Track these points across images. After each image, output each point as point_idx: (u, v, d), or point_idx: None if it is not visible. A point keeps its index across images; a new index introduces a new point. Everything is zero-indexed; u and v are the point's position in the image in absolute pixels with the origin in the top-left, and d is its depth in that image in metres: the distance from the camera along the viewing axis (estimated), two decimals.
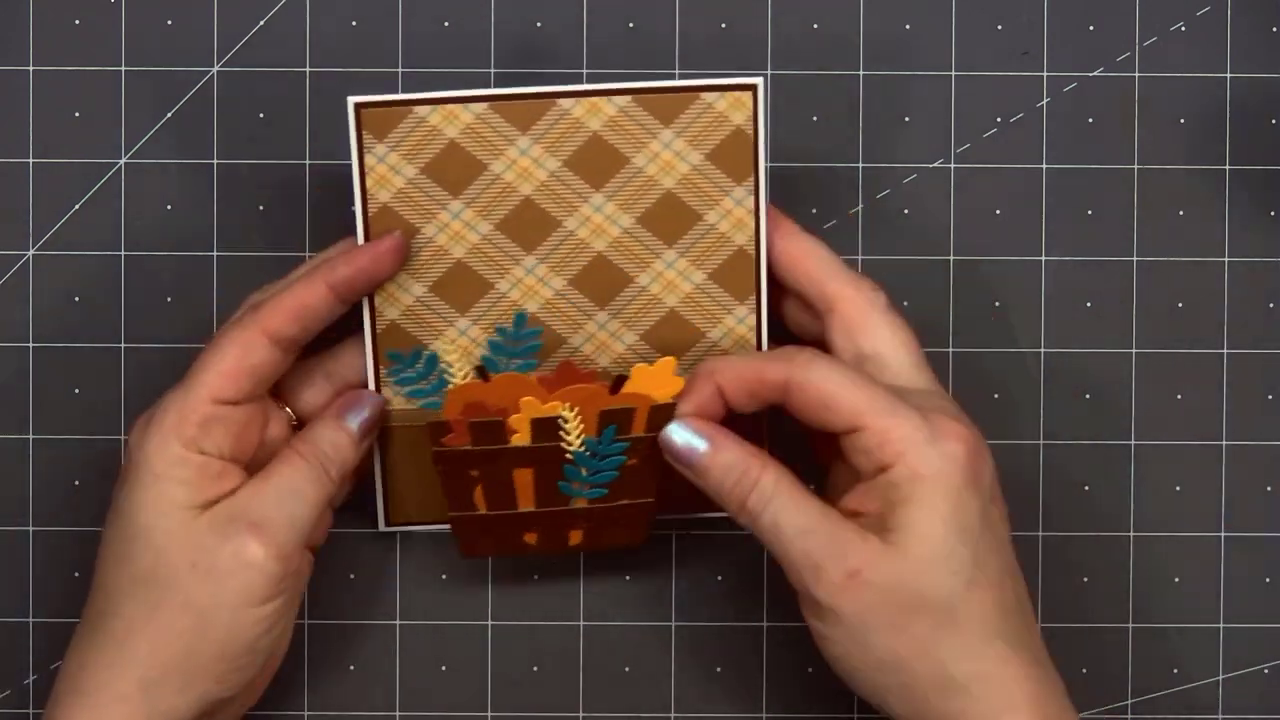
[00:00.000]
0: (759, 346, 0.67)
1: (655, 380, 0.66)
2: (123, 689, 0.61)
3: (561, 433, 0.66)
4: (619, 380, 0.66)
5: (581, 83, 0.70)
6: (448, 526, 0.68)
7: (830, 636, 0.61)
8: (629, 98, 0.66)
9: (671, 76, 0.70)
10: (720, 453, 0.62)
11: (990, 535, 0.61)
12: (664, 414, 0.65)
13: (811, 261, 0.65)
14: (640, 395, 0.65)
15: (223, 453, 0.63)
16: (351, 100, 0.65)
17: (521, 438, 0.66)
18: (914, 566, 0.60)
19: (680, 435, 0.63)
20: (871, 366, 0.63)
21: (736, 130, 0.66)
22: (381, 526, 0.69)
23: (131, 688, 0.61)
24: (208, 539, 0.62)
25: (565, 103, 0.66)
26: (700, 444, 0.63)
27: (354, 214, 0.65)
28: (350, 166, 0.65)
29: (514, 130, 0.66)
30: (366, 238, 0.65)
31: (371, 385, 0.67)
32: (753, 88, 0.66)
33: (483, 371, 0.67)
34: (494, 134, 0.66)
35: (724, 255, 0.67)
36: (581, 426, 0.66)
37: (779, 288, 0.66)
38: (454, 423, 0.66)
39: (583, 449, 0.66)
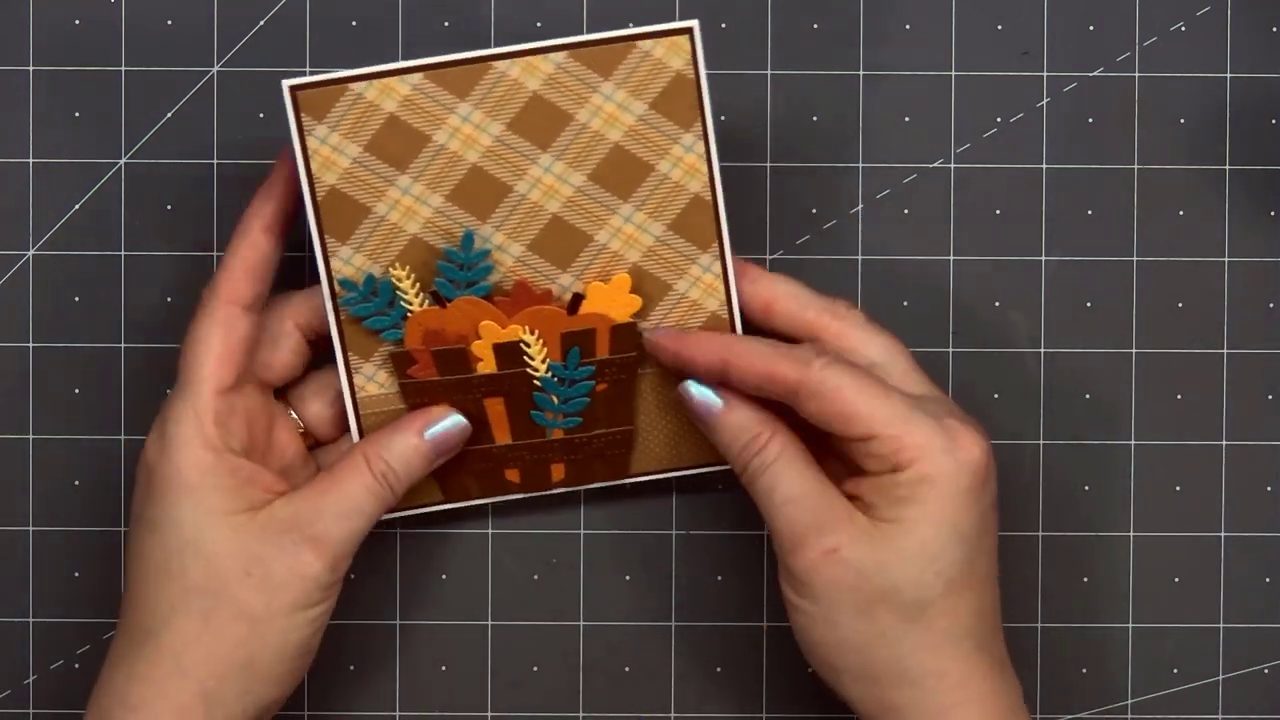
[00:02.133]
0: (727, 294, 0.67)
1: (612, 298, 0.66)
2: (182, 701, 0.61)
3: (525, 358, 0.66)
4: (576, 299, 0.66)
5: None
6: (436, 505, 0.68)
7: (799, 607, 0.62)
8: (565, 53, 0.65)
9: None
10: (732, 412, 0.63)
11: (985, 540, 0.62)
12: (625, 333, 0.66)
13: (783, 301, 0.65)
14: (599, 315, 0.66)
15: (242, 447, 0.63)
16: (286, 83, 0.64)
17: (486, 366, 0.66)
18: (897, 559, 0.61)
19: (697, 389, 0.64)
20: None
21: (677, 76, 0.66)
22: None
23: (191, 699, 0.61)
24: (262, 548, 0.62)
25: (501, 65, 0.65)
26: (715, 402, 0.64)
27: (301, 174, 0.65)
28: (291, 150, 0.64)
29: (452, 98, 0.65)
30: (318, 223, 0.65)
31: (335, 336, 0.66)
32: (689, 30, 0.65)
33: (438, 297, 0.67)
34: (433, 104, 0.65)
35: (681, 204, 0.67)
36: (545, 351, 0.66)
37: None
38: (416, 353, 0.66)
39: (549, 374, 0.66)
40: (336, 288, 0.66)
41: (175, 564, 0.62)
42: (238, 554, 0.62)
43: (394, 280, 0.66)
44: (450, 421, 0.66)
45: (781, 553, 0.62)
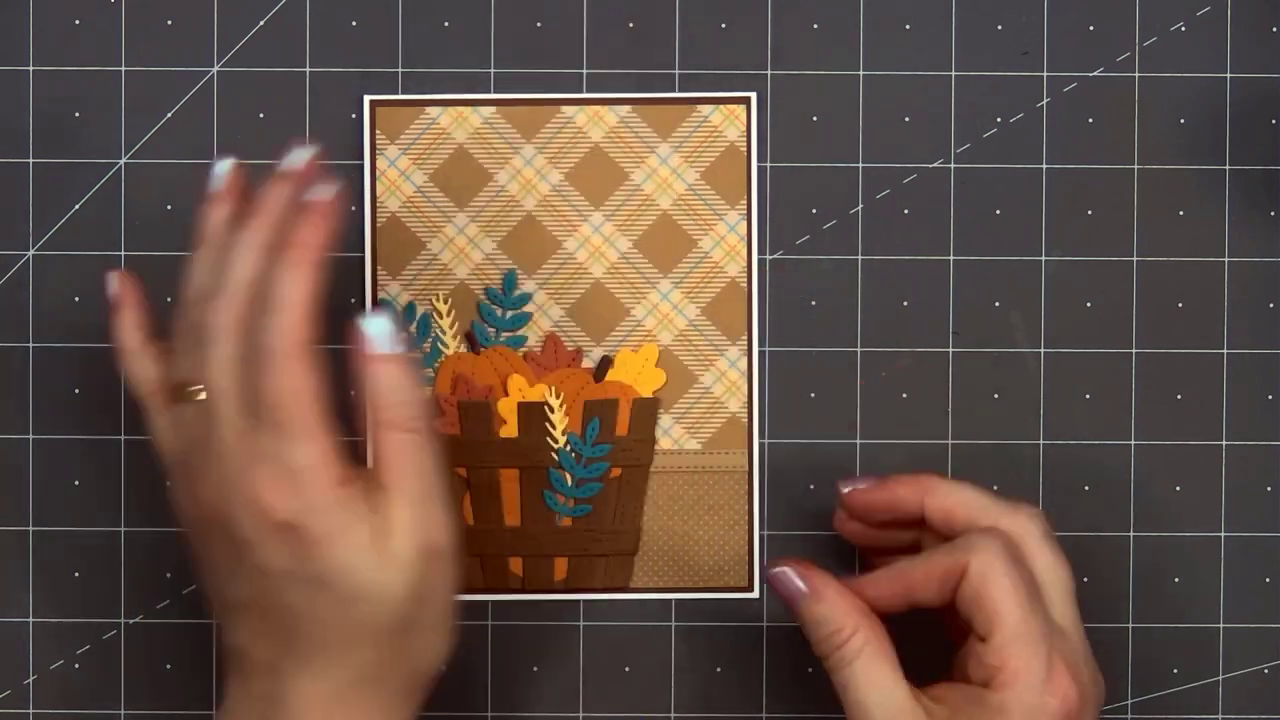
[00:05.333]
0: (749, 393, 0.68)
1: (639, 369, 0.67)
2: None
3: (548, 423, 0.67)
4: (604, 361, 0.67)
5: (581, 83, 0.70)
6: None
7: None
8: (629, 107, 0.68)
9: (671, 78, 0.70)
10: (818, 604, 0.63)
11: None
12: (647, 409, 0.66)
13: (963, 510, 0.64)
14: (624, 385, 0.66)
15: None
16: (368, 98, 0.65)
17: (509, 430, 0.67)
18: None
19: (785, 576, 0.63)
20: None
21: (730, 147, 0.67)
22: None
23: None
24: (426, 574, 0.60)
25: (569, 110, 0.67)
26: (801, 589, 0.63)
27: (355, 213, 0.66)
28: (361, 168, 0.65)
29: (519, 137, 0.67)
30: (373, 251, 0.66)
31: None
32: (746, 100, 0.67)
33: (472, 340, 0.68)
34: (500, 140, 0.67)
35: (717, 287, 0.68)
36: (567, 421, 0.67)
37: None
38: (443, 403, 0.67)
39: (567, 447, 0.67)
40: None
41: (353, 612, 0.60)
42: (408, 586, 0.60)
43: (433, 314, 0.67)
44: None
45: None
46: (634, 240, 0.68)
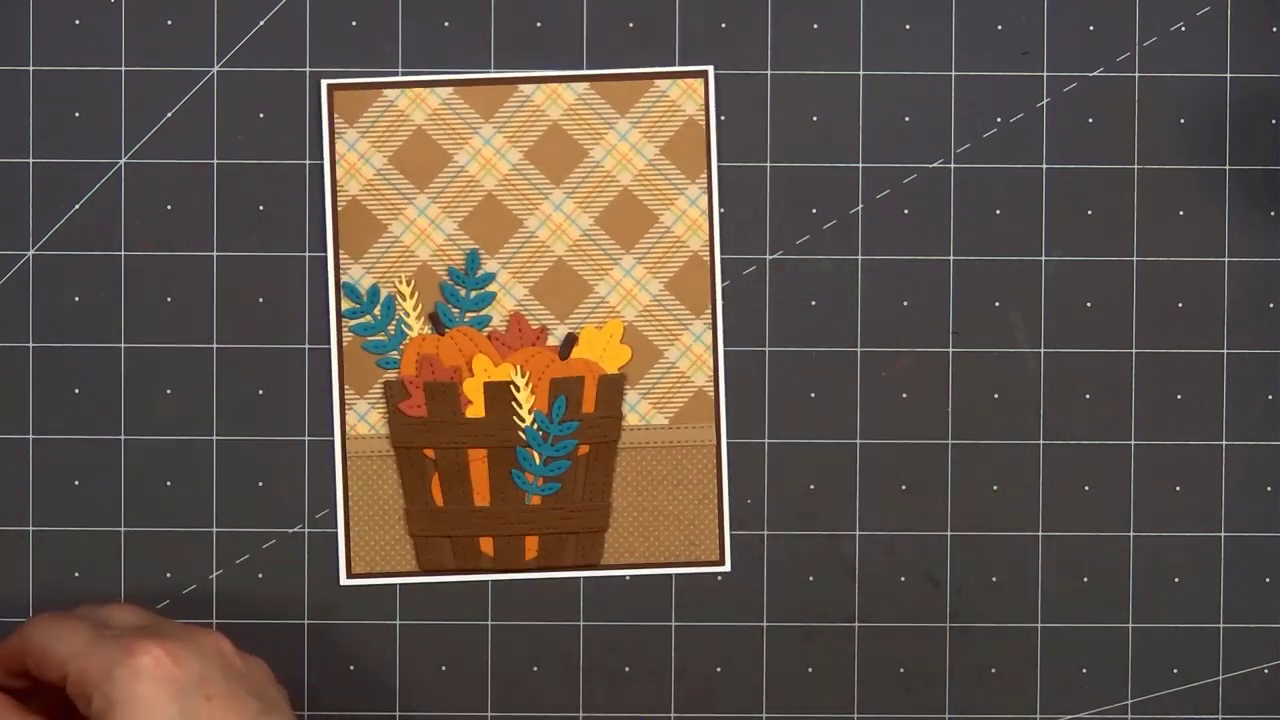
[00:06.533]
0: (715, 366, 0.68)
1: (604, 345, 0.67)
2: None
3: (514, 402, 0.67)
4: (569, 339, 0.67)
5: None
6: (412, 579, 0.68)
7: None
8: (586, 84, 0.68)
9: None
10: None
11: None
12: (613, 385, 0.66)
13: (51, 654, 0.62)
14: (589, 363, 0.66)
15: None
16: (325, 82, 0.65)
17: (475, 410, 0.67)
18: None
19: None
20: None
21: (689, 121, 0.67)
22: (343, 580, 0.69)
23: None
24: None
25: (526, 89, 0.67)
26: None
27: (316, 198, 0.66)
28: (321, 151, 0.66)
29: (477, 117, 0.67)
30: (335, 235, 0.67)
31: (333, 336, 0.68)
32: (703, 74, 0.67)
33: (436, 321, 0.68)
34: (459, 120, 0.67)
35: (679, 261, 0.68)
36: (533, 399, 0.67)
37: None
38: (409, 384, 0.67)
39: (534, 425, 0.67)
40: (342, 298, 0.67)
41: None
42: None
43: (397, 296, 0.67)
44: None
45: None
46: (595, 217, 0.68)
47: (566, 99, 0.68)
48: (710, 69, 0.67)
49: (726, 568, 0.70)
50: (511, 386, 0.68)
